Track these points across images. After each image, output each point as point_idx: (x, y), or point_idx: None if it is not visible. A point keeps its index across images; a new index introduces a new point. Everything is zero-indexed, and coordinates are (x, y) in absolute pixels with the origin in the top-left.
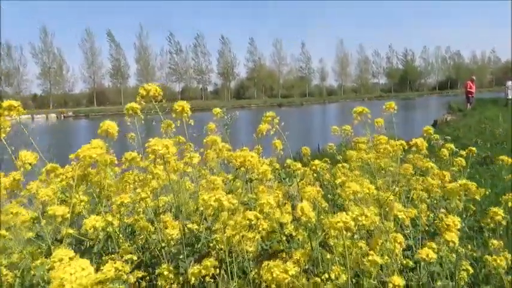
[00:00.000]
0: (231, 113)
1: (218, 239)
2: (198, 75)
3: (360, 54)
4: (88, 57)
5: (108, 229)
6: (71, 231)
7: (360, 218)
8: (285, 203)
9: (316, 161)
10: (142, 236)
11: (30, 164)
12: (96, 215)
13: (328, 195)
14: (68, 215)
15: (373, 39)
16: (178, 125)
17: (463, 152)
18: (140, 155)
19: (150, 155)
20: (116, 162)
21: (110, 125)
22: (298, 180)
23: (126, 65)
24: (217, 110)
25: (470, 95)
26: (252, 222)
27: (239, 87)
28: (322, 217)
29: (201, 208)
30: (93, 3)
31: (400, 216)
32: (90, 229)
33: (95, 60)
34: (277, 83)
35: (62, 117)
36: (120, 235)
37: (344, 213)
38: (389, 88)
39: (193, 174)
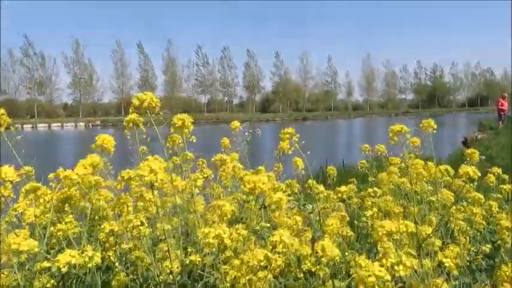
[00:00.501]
0: (253, 129)
1: (221, 276)
2: (224, 87)
3: (386, 69)
4: (118, 67)
5: (89, 265)
6: (47, 264)
7: (396, 268)
8: (305, 230)
9: (343, 188)
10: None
11: (11, 182)
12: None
13: (355, 221)
14: (37, 249)
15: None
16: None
17: (506, 176)
18: None
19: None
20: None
21: (106, 139)
22: (320, 206)
23: (154, 75)
24: (236, 123)
25: (502, 113)
26: (262, 264)
27: (264, 101)
28: (347, 253)
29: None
30: (122, 13)
31: (446, 264)
32: (64, 267)
33: (125, 71)
34: (303, 96)
35: (90, 126)
36: (117, 263)
37: (377, 263)
38: (416, 104)
39: (195, 195)
